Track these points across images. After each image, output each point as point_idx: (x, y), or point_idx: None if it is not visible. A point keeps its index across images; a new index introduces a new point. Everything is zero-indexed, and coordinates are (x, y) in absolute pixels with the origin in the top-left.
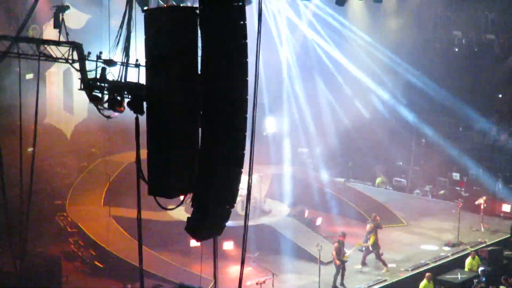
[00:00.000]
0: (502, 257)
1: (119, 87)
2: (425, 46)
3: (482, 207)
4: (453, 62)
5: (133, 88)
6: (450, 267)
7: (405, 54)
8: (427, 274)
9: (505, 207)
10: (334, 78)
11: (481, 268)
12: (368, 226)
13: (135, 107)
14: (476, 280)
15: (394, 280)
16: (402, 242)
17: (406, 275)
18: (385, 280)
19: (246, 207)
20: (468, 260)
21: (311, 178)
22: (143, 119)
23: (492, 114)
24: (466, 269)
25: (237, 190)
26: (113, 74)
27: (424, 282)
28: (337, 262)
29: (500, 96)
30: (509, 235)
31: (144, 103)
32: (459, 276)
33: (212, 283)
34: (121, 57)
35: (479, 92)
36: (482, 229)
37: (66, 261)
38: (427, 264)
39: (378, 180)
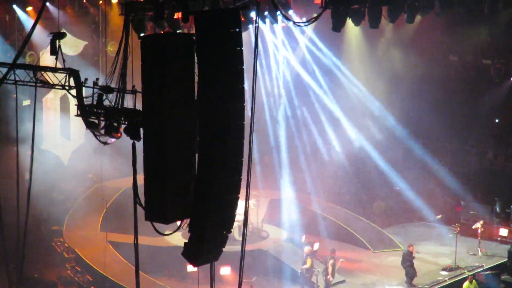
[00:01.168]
0: (499, 281)
1: (115, 113)
2: (423, 73)
3: (479, 231)
4: (450, 88)
5: (129, 114)
6: None
7: (403, 81)
8: None
9: (502, 232)
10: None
11: None
12: (306, 249)
13: (132, 133)
14: None
15: None
16: (399, 267)
17: None
18: None
19: (243, 232)
20: (466, 285)
21: (308, 203)
22: (140, 144)
23: (488, 138)
24: None
25: (234, 215)
26: (109, 100)
27: None
28: (331, 278)
29: (496, 121)
30: (506, 260)
31: (141, 129)
32: None
33: None
34: (117, 84)
35: (475, 117)
36: (480, 253)
37: (62, 286)
38: None
39: (376, 205)
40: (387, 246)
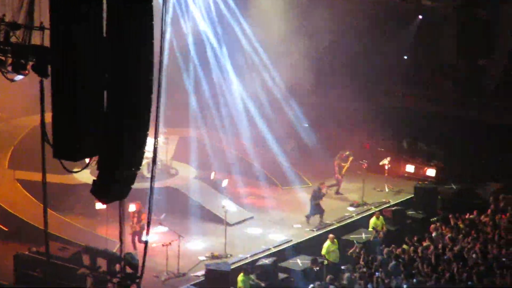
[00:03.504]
0: (406, 217)
1: (23, 50)
2: (331, 14)
3: (386, 168)
4: (359, 26)
5: (37, 51)
6: (355, 227)
7: (309, 22)
8: (329, 235)
9: (409, 168)
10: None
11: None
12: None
13: (40, 70)
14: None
15: (299, 240)
16: (308, 203)
17: (311, 235)
18: (291, 241)
19: (152, 169)
20: (372, 220)
21: (217, 141)
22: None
23: (397, 76)
24: (370, 229)
25: (143, 152)
26: (17, 37)
27: (327, 243)
28: (339, 176)
29: (405, 58)
30: (412, 195)
31: (49, 66)
32: (363, 235)
33: (118, 245)
34: (25, 20)
35: (384, 55)
36: (386, 189)
37: None
38: (332, 224)
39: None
40: (296, 182)
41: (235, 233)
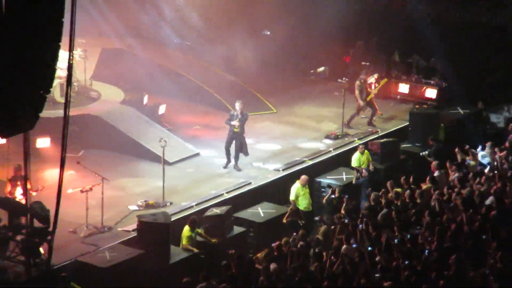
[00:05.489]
0: (399, 152)
1: None
2: None
3: (373, 87)
4: None
5: None
6: (333, 165)
7: None
8: (302, 176)
9: (402, 88)
10: None
11: None
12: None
13: None
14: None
15: (261, 183)
16: (271, 135)
17: (277, 177)
18: (250, 184)
19: (67, 92)
20: (356, 156)
21: (151, 54)
22: None
23: None
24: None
25: (54, 70)
26: None
27: (296, 185)
28: (361, 103)
29: None
30: (407, 123)
31: None
32: (344, 176)
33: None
34: None
35: None
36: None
37: None
38: (303, 161)
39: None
40: (257, 108)
41: (177, 174)
